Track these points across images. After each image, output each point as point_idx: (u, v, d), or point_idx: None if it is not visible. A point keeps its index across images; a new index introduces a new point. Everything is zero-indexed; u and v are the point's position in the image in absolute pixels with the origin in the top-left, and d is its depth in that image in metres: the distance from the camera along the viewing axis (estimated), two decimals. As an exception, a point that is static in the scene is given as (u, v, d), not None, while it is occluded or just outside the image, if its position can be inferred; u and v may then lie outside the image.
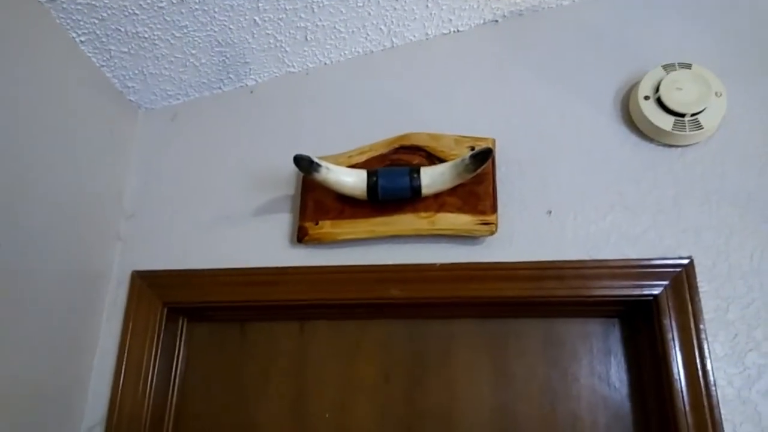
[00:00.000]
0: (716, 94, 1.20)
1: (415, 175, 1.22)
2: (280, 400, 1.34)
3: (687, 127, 1.19)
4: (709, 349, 1.08)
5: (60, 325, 1.28)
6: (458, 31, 1.45)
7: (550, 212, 1.25)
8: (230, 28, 1.37)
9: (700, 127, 1.18)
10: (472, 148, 1.25)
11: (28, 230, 1.20)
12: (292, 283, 1.31)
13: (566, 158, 1.28)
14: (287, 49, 1.45)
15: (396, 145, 1.34)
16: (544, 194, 1.26)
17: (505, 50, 1.41)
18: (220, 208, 1.43)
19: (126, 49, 1.39)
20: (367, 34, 1.43)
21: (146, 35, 1.35)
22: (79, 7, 1.26)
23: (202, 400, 1.38)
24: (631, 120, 1.27)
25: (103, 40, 1.35)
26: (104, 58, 1.40)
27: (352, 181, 1.25)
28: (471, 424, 1.23)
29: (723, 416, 1.04)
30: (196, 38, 1.38)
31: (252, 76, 1.52)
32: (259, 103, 1.52)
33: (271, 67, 1.50)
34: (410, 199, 1.25)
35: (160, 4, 1.28)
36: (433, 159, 1.30)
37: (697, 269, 1.14)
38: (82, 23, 1.30)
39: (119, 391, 1.33)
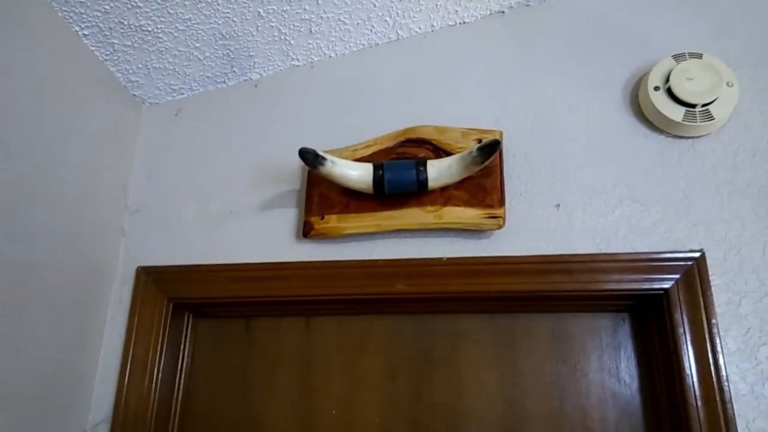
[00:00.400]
0: (727, 84, 1.18)
1: (422, 168, 1.21)
2: (286, 396, 1.33)
3: (698, 118, 1.17)
4: (721, 343, 1.06)
5: (64, 321, 1.28)
6: (464, 22, 1.44)
7: (559, 205, 1.23)
8: (234, 21, 1.35)
9: (711, 117, 1.16)
10: (479, 141, 1.24)
11: (32, 226, 1.20)
12: (298, 278, 1.30)
13: (575, 150, 1.26)
14: (292, 42, 1.44)
15: (402, 139, 1.32)
16: (552, 187, 1.24)
17: (511, 42, 1.39)
18: (225, 203, 1.42)
19: (129, 43, 1.38)
20: (372, 27, 1.42)
21: (149, 28, 1.34)
22: (81, 0, 1.25)
23: (208, 397, 1.38)
24: (641, 111, 1.25)
25: (107, 33, 1.34)
26: (108, 52, 1.39)
27: (358, 174, 1.24)
28: (479, 419, 1.22)
29: (736, 412, 1.02)
30: (199, 31, 1.37)
31: (256, 70, 1.51)
32: (263, 97, 1.51)
33: (276, 61, 1.49)
34: (416, 192, 1.24)
35: (163, -3, 1.27)
36: (440, 152, 1.28)
37: (709, 262, 1.12)
38: (85, 16, 1.29)
39: (124, 388, 1.33)
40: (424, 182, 1.21)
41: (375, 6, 1.36)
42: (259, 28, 1.39)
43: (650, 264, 1.14)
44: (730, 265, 1.11)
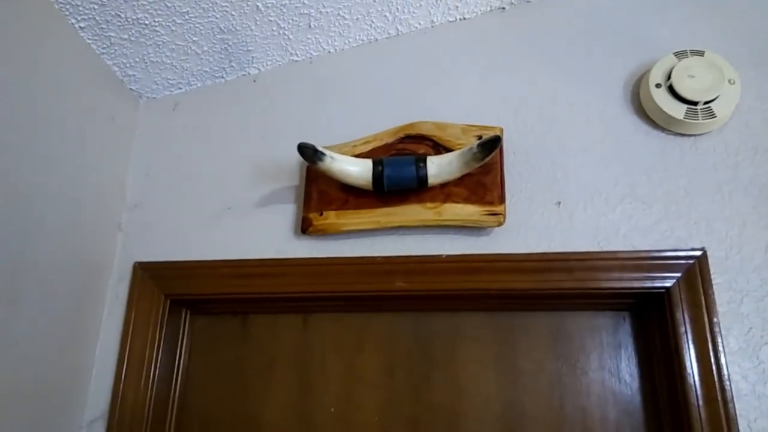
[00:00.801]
0: (729, 81, 1.17)
1: (422, 165, 1.20)
2: (283, 394, 1.32)
3: (699, 116, 1.16)
4: (722, 342, 1.05)
5: (61, 317, 1.27)
6: (464, 18, 1.43)
7: (559, 203, 1.22)
8: (232, 15, 1.34)
9: (713, 115, 1.16)
10: (480, 137, 1.23)
11: (29, 221, 1.19)
12: (296, 275, 1.29)
13: (575, 148, 1.25)
14: (290, 36, 1.42)
15: (401, 135, 1.31)
16: (552, 185, 1.24)
17: (512, 38, 1.38)
18: (222, 199, 1.41)
19: (126, 36, 1.36)
20: (372, 22, 1.41)
21: (147, 21, 1.33)
22: (78, -8, 1.24)
23: (205, 394, 1.37)
24: (642, 108, 1.24)
25: (103, 26, 1.33)
26: (104, 45, 1.38)
27: (357, 170, 1.22)
28: (478, 418, 1.21)
29: (737, 411, 1.01)
30: (197, 25, 1.36)
31: (255, 65, 1.50)
32: (261, 92, 1.50)
33: (274, 56, 1.48)
34: (416, 189, 1.23)
35: (161, -10, 1.25)
36: (440, 148, 1.27)
37: (710, 261, 1.11)
38: (81, 9, 1.27)
39: (121, 384, 1.32)
40: (423, 179, 1.20)
41: (374, 1, 1.35)
42: (258, 23, 1.37)
43: (651, 262, 1.14)
44: (732, 264, 1.11)
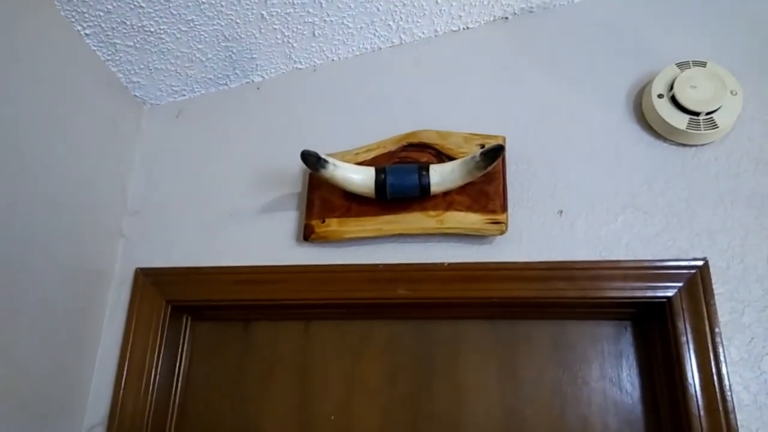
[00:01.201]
0: (731, 92, 1.18)
1: (424, 173, 1.20)
2: (284, 401, 1.32)
3: (701, 126, 1.17)
4: (724, 353, 1.05)
5: (62, 323, 1.27)
6: (467, 28, 1.43)
7: (561, 212, 1.22)
8: (237, 23, 1.35)
9: (714, 126, 1.16)
10: (482, 146, 1.23)
11: (30, 226, 1.19)
12: (298, 281, 1.29)
13: (578, 157, 1.26)
14: (294, 44, 1.43)
15: (404, 143, 1.32)
16: (554, 194, 1.24)
17: (515, 48, 1.39)
18: (225, 206, 1.41)
19: (131, 43, 1.37)
20: (376, 30, 1.42)
21: (152, 29, 1.34)
22: (84, -1, 1.25)
23: (205, 400, 1.36)
24: (644, 119, 1.25)
25: (109, 33, 1.33)
26: (109, 52, 1.38)
27: (360, 178, 1.23)
28: (478, 427, 1.21)
29: (739, 422, 1.01)
30: (202, 32, 1.37)
31: (259, 72, 1.50)
32: (265, 100, 1.50)
33: (278, 63, 1.48)
34: (418, 197, 1.23)
35: (167, -3, 1.26)
36: (442, 157, 1.28)
37: (712, 271, 1.11)
38: (87, 15, 1.28)
39: (121, 390, 1.31)
40: (426, 187, 1.20)
41: (378, 10, 1.36)
42: (262, 31, 1.38)
43: (653, 272, 1.14)
44: (734, 274, 1.11)
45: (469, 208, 1.22)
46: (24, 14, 1.18)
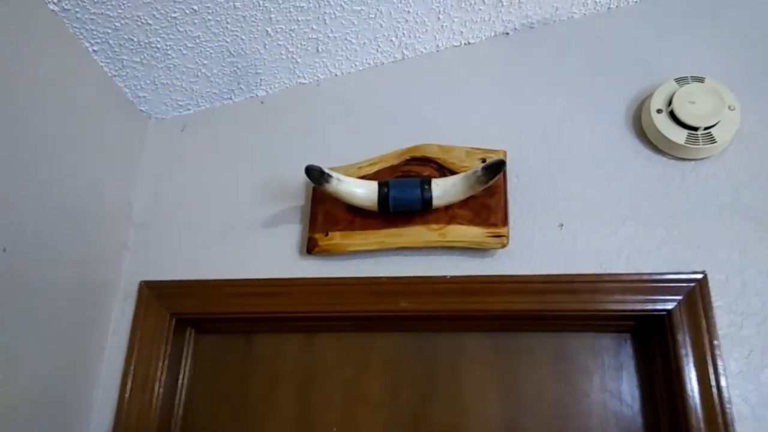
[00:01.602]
0: (729, 107, 1.19)
1: (427, 187, 1.22)
2: (286, 414, 1.32)
3: (700, 141, 1.18)
4: (723, 365, 1.06)
5: (67, 335, 1.28)
6: (469, 43, 1.45)
7: (562, 225, 1.24)
8: (242, 39, 1.37)
9: (713, 140, 1.18)
10: (484, 160, 1.25)
11: (36, 239, 1.20)
12: (301, 294, 1.30)
13: (578, 171, 1.27)
14: (298, 60, 1.45)
15: (407, 157, 1.33)
16: (555, 207, 1.25)
17: (516, 63, 1.41)
18: (229, 219, 1.43)
19: (138, 59, 1.39)
20: (379, 46, 1.44)
21: (159, 45, 1.36)
22: (92, 17, 1.27)
23: (209, 413, 1.37)
24: (644, 133, 1.26)
25: (116, 49, 1.36)
26: (116, 68, 1.41)
27: (363, 192, 1.24)
28: (480, 439, 1.22)
29: (738, 434, 1.02)
30: (208, 49, 1.39)
31: (263, 87, 1.53)
32: (269, 114, 1.52)
33: (282, 78, 1.51)
34: (421, 210, 1.24)
35: (174, 15, 1.28)
36: (444, 171, 1.29)
37: (711, 284, 1.12)
38: (95, 33, 1.30)
39: (125, 403, 1.32)
40: (428, 201, 1.22)
41: (381, 26, 1.38)
42: (267, 47, 1.40)
43: (653, 285, 1.15)
44: (733, 287, 1.12)
45: (471, 222, 1.23)
46: (32, 32, 1.20)
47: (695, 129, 1.18)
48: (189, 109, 1.57)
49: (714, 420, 1.03)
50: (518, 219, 1.25)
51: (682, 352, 1.08)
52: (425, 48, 1.46)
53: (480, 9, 1.36)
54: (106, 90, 1.43)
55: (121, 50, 1.36)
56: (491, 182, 1.18)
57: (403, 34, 1.41)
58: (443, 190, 1.21)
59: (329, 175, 1.23)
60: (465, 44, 1.46)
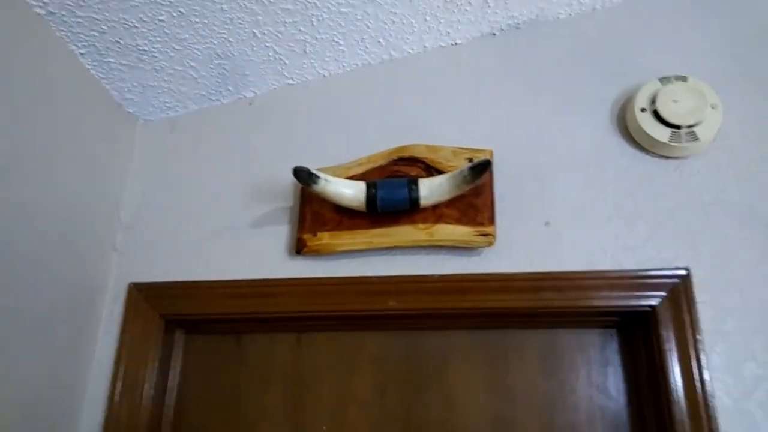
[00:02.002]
0: (712, 106, 1.21)
1: (414, 187, 1.23)
2: (277, 413, 1.33)
3: (683, 139, 1.20)
4: (706, 359, 1.08)
5: (55, 337, 1.28)
6: (456, 44, 1.46)
7: (548, 224, 1.25)
8: (230, 41, 1.38)
9: (696, 138, 1.19)
10: (470, 160, 1.26)
11: (25, 241, 1.20)
12: (290, 294, 1.31)
13: (564, 170, 1.28)
14: (286, 61, 1.46)
15: (394, 157, 1.34)
16: (541, 206, 1.26)
17: (502, 63, 1.42)
18: (218, 220, 1.43)
19: (126, 62, 1.39)
20: (366, 47, 1.45)
21: (146, 48, 1.36)
22: (79, 20, 1.27)
23: (199, 413, 1.37)
24: (628, 132, 1.28)
25: (103, 52, 1.36)
26: (104, 71, 1.41)
27: (351, 192, 1.25)
28: (469, 436, 1.23)
29: (721, 427, 1.03)
30: (195, 51, 1.39)
31: (251, 88, 1.53)
32: (257, 115, 1.53)
33: (270, 80, 1.51)
34: (408, 210, 1.25)
35: (161, 18, 1.29)
36: (432, 170, 1.30)
37: (695, 280, 1.14)
38: (82, 36, 1.31)
39: (115, 405, 1.32)
40: (416, 200, 1.23)
41: (369, 27, 1.39)
42: (255, 48, 1.41)
43: (638, 281, 1.16)
44: (716, 283, 1.14)
45: (458, 221, 1.25)
46: (18, 34, 1.20)
47: (678, 127, 1.20)
48: (177, 111, 1.57)
49: (698, 413, 1.05)
50: (505, 218, 1.26)
51: (667, 347, 1.10)
52: (412, 49, 1.47)
53: (466, 10, 1.37)
54: (93, 93, 1.43)
55: (108, 53, 1.36)
56: (478, 182, 1.19)
57: (390, 35, 1.42)
58: (430, 189, 1.23)
59: (317, 176, 1.23)
60: (452, 45, 1.47)
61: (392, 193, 1.24)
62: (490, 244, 1.22)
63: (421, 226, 1.26)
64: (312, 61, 1.47)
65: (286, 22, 1.34)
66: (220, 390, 1.38)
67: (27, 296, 1.21)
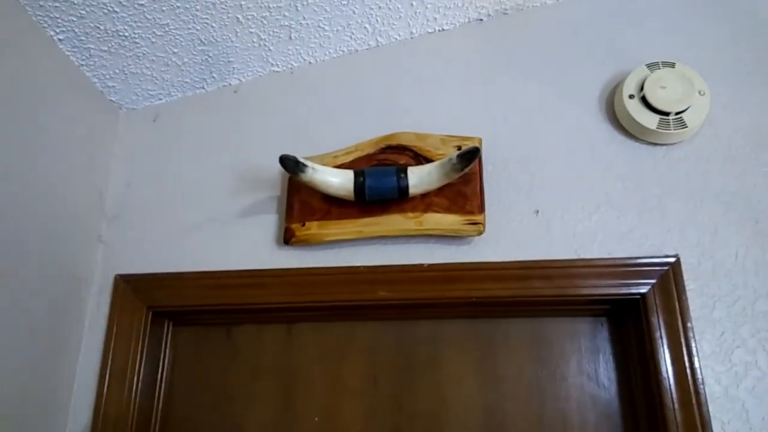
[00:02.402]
0: (699, 92, 1.21)
1: (402, 175, 1.21)
2: (267, 404, 1.32)
3: (671, 126, 1.20)
4: (696, 347, 1.09)
5: (41, 331, 1.26)
6: (443, 30, 1.45)
7: (538, 212, 1.25)
8: (213, 27, 1.35)
9: (684, 125, 1.19)
10: (459, 148, 1.25)
11: (7, 233, 1.18)
12: (279, 285, 1.30)
13: (552, 157, 1.28)
14: (271, 48, 1.43)
15: (382, 145, 1.33)
16: (531, 194, 1.26)
17: (490, 49, 1.41)
18: (204, 210, 1.41)
19: (106, 48, 1.36)
20: (352, 33, 1.42)
21: (126, 33, 1.33)
22: (56, 4, 1.23)
23: (189, 405, 1.37)
24: (616, 119, 1.28)
25: (82, 38, 1.32)
26: (83, 57, 1.37)
27: (339, 181, 1.24)
28: (460, 425, 1.23)
29: (711, 414, 1.04)
30: (177, 37, 1.36)
31: (236, 76, 1.50)
32: (243, 103, 1.50)
33: (255, 66, 1.48)
34: (397, 199, 1.24)
35: (140, 2, 1.26)
36: (420, 159, 1.29)
37: (684, 267, 1.15)
38: (60, 21, 1.27)
39: (103, 398, 1.31)
40: (404, 189, 1.22)
41: (354, 13, 1.36)
42: (239, 34, 1.38)
43: (627, 269, 1.17)
44: (704, 270, 1.14)
45: (447, 210, 1.24)
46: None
47: (666, 114, 1.20)
48: (160, 99, 1.54)
49: (688, 400, 1.05)
50: (494, 206, 1.26)
51: (657, 334, 1.11)
52: (399, 35, 1.45)
53: (453, -5, 1.36)
54: (73, 80, 1.39)
55: (88, 39, 1.33)
56: (466, 170, 1.18)
57: (377, 21, 1.40)
58: (419, 178, 1.21)
59: (304, 165, 1.22)
60: (439, 31, 1.45)
61: (380, 181, 1.22)
62: (480, 232, 1.22)
63: (411, 215, 1.25)
64: (297, 47, 1.44)
65: (270, 7, 1.32)
66: (210, 381, 1.37)
67: (10, 289, 1.18)
